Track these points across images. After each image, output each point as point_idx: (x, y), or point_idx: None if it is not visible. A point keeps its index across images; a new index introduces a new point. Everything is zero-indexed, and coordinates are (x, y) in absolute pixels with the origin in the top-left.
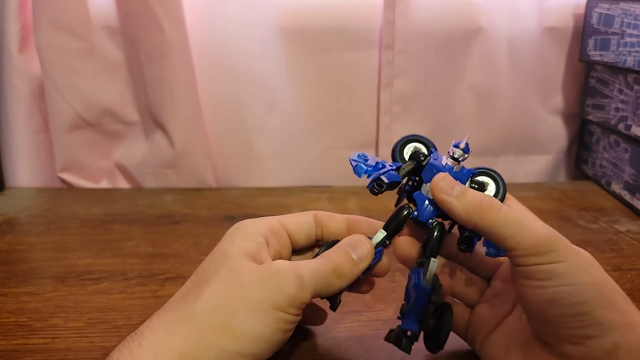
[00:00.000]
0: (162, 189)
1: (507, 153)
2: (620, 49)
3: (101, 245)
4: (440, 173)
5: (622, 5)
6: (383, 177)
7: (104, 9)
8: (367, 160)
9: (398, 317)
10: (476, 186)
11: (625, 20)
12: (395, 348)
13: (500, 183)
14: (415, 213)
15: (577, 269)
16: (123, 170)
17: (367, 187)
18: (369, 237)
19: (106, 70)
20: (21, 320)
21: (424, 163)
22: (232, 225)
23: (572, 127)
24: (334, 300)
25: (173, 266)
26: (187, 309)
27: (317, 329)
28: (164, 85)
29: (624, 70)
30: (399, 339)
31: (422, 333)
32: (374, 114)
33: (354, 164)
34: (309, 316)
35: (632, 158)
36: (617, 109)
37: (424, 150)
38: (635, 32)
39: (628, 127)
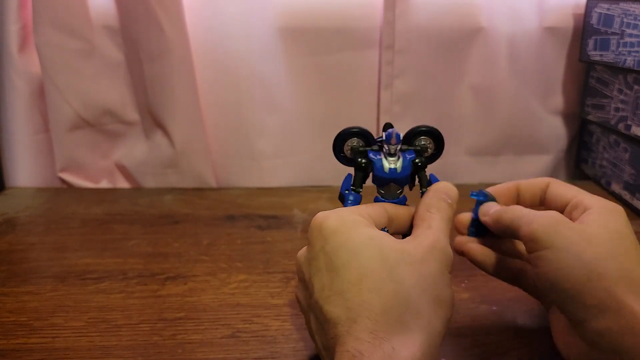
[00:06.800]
0: (162, 189)
1: (507, 153)
2: (620, 49)
3: (101, 245)
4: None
5: (622, 5)
6: None
7: (104, 9)
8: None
9: None
10: (419, 149)
11: (625, 20)
12: None
13: (437, 135)
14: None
15: (564, 253)
16: (123, 170)
17: None
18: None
19: (106, 70)
20: (21, 319)
21: (368, 171)
22: (232, 224)
23: (572, 127)
24: None
25: (173, 266)
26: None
27: None
28: (164, 85)
29: (624, 70)
30: None
31: None
32: (374, 114)
33: None
34: None
35: (632, 158)
36: (617, 109)
37: (360, 143)
38: (635, 32)
39: (628, 127)
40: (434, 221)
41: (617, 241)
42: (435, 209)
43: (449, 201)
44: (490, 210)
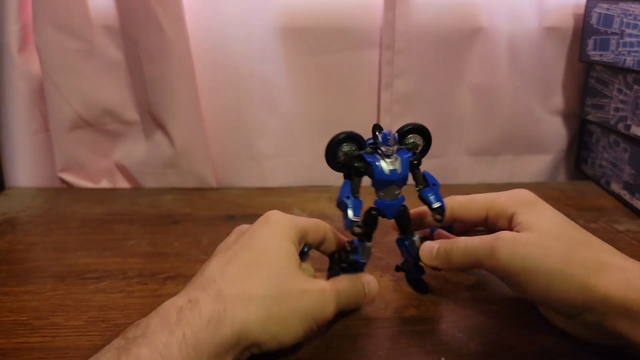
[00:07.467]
0: (162, 189)
1: (507, 153)
2: (620, 49)
3: (101, 244)
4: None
5: (622, 5)
6: (354, 219)
7: (104, 9)
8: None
9: (397, 270)
10: (411, 146)
11: (625, 20)
12: (394, 347)
13: (425, 131)
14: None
15: (537, 272)
16: (123, 170)
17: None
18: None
19: (106, 70)
20: (22, 318)
21: (367, 175)
22: (232, 224)
23: (572, 127)
24: None
25: (173, 265)
26: (246, 293)
27: None
28: (164, 85)
29: (624, 70)
30: (419, 287)
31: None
32: (374, 114)
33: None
34: None
35: (631, 158)
36: (616, 109)
37: (353, 147)
38: (634, 32)
39: (628, 127)
40: (341, 288)
41: (563, 234)
42: (352, 283)
43: (366, 292)
44: (432, 252)
